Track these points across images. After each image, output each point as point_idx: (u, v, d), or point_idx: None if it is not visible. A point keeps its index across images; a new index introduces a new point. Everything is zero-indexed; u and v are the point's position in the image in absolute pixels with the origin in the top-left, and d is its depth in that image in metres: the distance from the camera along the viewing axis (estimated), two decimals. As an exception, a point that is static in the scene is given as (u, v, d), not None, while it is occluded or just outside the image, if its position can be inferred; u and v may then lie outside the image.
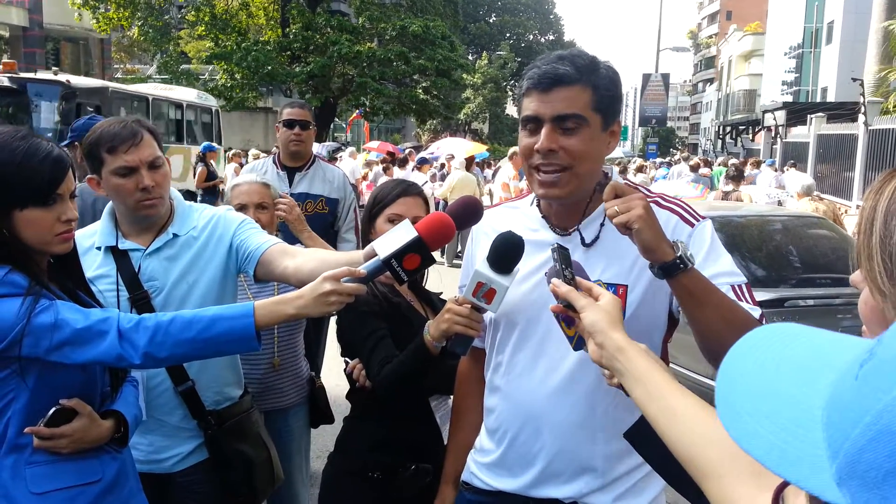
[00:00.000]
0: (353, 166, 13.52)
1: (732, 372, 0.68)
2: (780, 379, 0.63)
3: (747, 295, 1.49)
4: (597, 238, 1.57)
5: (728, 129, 37.02)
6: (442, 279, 2.44)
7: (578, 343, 1.36)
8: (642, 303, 1.52)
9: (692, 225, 1.54)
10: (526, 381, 1.61)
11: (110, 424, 1.72)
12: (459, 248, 11.57)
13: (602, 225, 1.57)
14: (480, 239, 1.73)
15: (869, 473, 0.49)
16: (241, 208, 2.68)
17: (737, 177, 8.92)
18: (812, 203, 7.47)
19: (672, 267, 1.33)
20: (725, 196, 8.47)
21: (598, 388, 1.50)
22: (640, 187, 1.59)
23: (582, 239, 1.58)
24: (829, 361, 0.61)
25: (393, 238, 1.58)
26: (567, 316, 1.29)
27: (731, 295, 1.47)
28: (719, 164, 18.25)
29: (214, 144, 13.43)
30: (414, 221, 2.01)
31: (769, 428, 0.60)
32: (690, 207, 1.59)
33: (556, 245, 1.35)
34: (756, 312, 1.45)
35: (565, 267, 1.30)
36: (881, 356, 0.54)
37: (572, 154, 1.47)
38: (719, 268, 1.49)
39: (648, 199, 1.55)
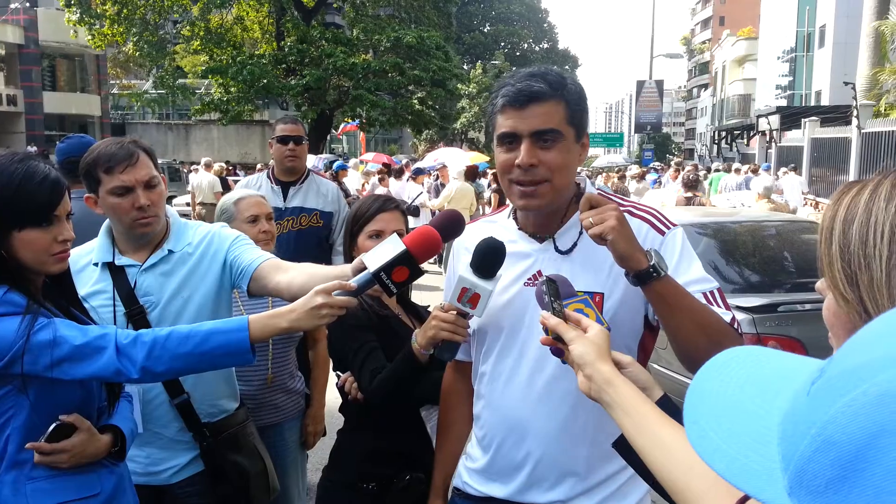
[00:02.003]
0: (357, 179, 13.51)
1: (700, 391, 0.71)
2: (744, 398, 0.66)
3: (720, 300, 1.54)
4: (573, 247, 1.61)
5: (723, 134, 37.16)
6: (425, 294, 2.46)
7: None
8: (619, 310, 1.56)
9: (663, 233, 1.59)
10: (508, 389, 1.65)
11: (108, 439, 1.76)
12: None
13: (579, 233, 1.61)
14: (461, 253, 1.78)
15: (813, 482, 0.53)
16: (255, 219, 2.81)
17: (693, 184, 9.09)
18: (768, 204, 7.63)
19: (645, 275, 1.39)
20: (687, 202, 8.64)
21: (579, 394, 1.53)
22: (613, 197, 1.65)
23: (556, 247, 1.62)
24: (787, 381, 0.64)
25: (381, 252, 1.62)
26: (556, 348, 1.31)
27: (703, 301, 1.51)
28: (715, 171, 18.31)
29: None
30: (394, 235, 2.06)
31: (731, 444, 0.63)
32: (662, 215, 1.64)
33: (545, 278, 1.39)
34: (727, 316, 1.50)
35: (554, 300, 1.32)
36: (829, 373, 0.58)
37: (551, 167, 1.53)
38: (691, 275, 1.54)
39: (622, 208, 1.60)
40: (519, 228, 1.69)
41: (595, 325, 1.27)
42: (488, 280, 1.55)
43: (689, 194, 8.86)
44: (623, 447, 1.25)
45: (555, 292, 1.35)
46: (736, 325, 1.50)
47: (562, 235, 1.63)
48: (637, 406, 1.10)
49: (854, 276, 0.79)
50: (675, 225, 1.62)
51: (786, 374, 0.66)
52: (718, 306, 1.52)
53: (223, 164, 15.71)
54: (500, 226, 1.74)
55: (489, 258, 1.54)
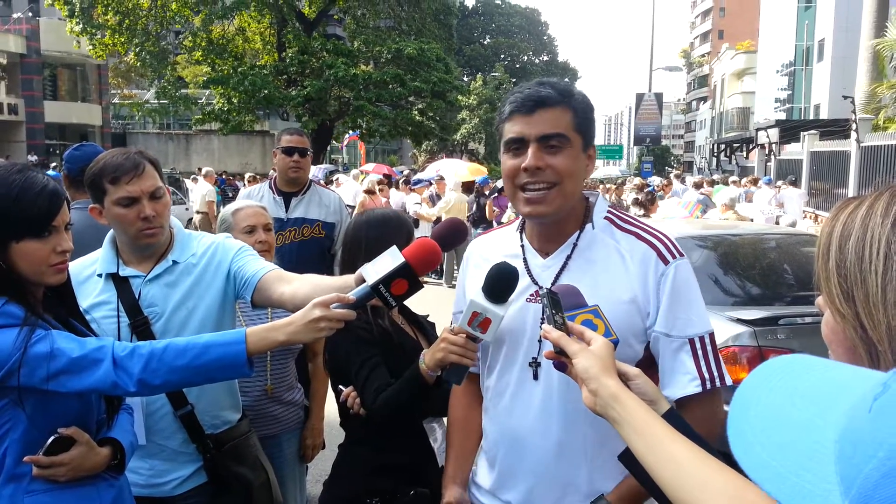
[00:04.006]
0: (357, 190, 13.51)
1: (745, 402, 0.68)
2: (793, 410, 0.63)
3: (708, 349, 1.52)
4: (568, 260, 1.59)
5: (722, 146, 37.21)
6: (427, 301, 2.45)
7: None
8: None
9: (667, 262, 1.56)
10: (510, 404, 1.63)
11: (107, 452, 1.74)
12: (457, 268, 11.57)
13: (573, 248, 1.60)
14: (469, 266, 1.78)
15: None
16: (252, 230, 2.80)
17: (646, 202, 9.17)
18: (734, 215, 7.72)
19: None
20: None
21: (580, 409, 1.51)
22: (623, 216, 1.64)
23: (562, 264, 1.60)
24: (841, 393, 0.61)
25: (381, 264, 1.60)
26: (560, 361, 1.29)
27: (688, 350, 1.51)
28: (715, 184, 18.32)
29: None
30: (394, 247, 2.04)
31: (780, 460, 0.60)
32: (671, 242, 1.59)
33: (546, 291, 1.36)
34: (694, 384, 1.50)
35: (556, 312, 1.30)
36: (894, 389, 0.54)
37: (558, 171, 1.52)
38: (680, 320, 1.52)
39: (629, 230, 1.58)
40: (525, 242, 1.67)
41: (599, 337, 1.23)
42: (500, 305, 1.52)
43: (642, 212, 9.01)
44: (628, 459, 1.24)
45: (556, 304, 1.32)
46: (708, 388, 1.50)
47: (560, 253, 1.61)
48: (646, 422, 1.06)
49: (850, 292, 0.79)
50: (681, 255, 1.58)
51: (840, 385, 0.63)
52: (699, 359, 1.51)
53: (254, 174, 15.56)
54: (507, 238, 1.73)
55: (502, 284, 1.52)
